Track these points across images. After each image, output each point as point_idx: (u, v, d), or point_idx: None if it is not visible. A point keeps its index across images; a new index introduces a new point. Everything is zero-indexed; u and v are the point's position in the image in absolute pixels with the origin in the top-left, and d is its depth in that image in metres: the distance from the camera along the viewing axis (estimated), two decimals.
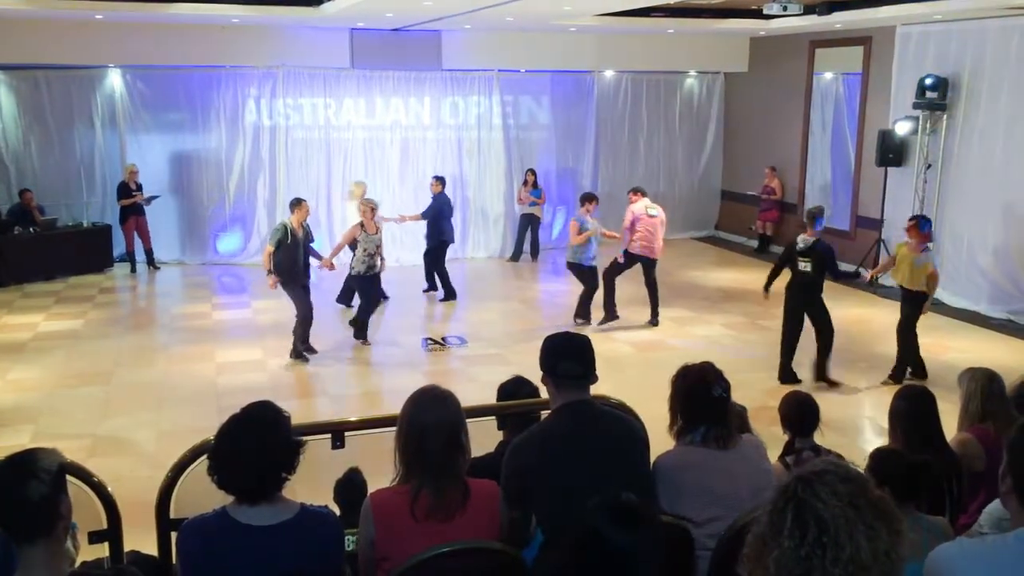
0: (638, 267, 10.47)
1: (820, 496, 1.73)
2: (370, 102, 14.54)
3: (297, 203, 9.11)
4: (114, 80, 13.70)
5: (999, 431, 3.99)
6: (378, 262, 9.55)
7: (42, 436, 7.08)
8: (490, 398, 4.22)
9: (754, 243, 15.48)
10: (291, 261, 8.90)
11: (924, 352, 8.58)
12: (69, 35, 12.65)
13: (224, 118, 14.05)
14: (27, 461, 2.40)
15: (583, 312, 10.49)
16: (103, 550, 3.13)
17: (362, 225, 9.47)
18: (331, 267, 9.52)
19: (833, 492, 1.73)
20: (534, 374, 3.46)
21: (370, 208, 9.55)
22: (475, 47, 14.56)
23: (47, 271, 12.75)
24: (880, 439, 6.58)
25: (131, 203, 13.19)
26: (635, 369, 8.74)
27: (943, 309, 11.35)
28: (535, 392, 3.92)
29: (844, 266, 11.02)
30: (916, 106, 11.72)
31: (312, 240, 9.33)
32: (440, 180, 12.14)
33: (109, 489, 3.09)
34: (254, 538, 2.57)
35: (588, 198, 10.54)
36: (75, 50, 12.87)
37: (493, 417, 3.77)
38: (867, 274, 10.87)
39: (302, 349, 9.12)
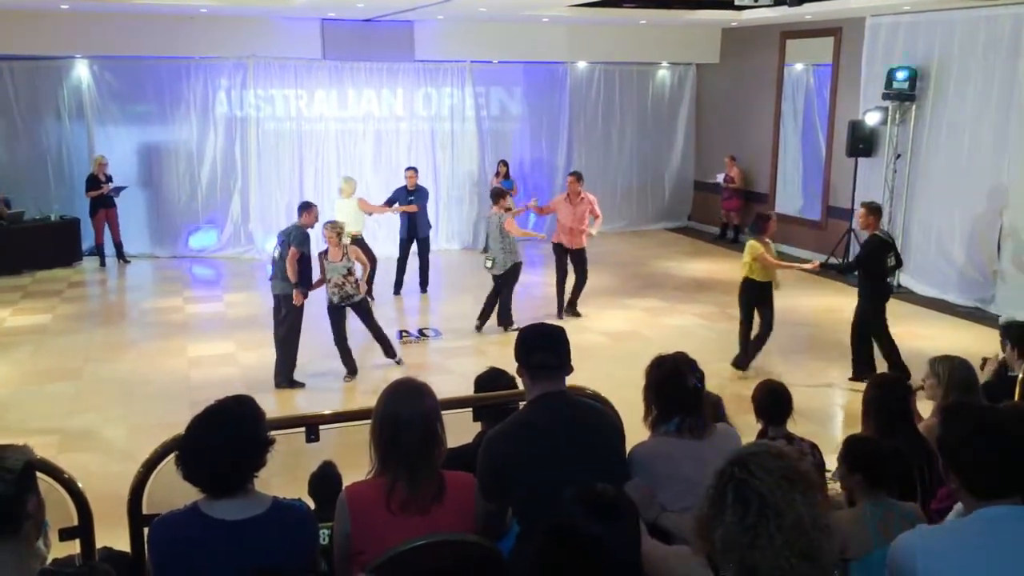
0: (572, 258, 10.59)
1: (755, 474, 1.87)
2: (342, 93, 14.44)
3: (307, 206, 8.33)
4: (81, 71, 13.49)
5: None
6: (350, 290, 8.33)
7: (10, 432, 6.98)
8: (465, 390, 4.21)
9: (727, 233, 15.57)
10: (307, 268, 8.26)
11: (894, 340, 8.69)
12: (35, 25, 12.42)
13: (194, 109, 13.90)
14: None
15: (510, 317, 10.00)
16: (75, 547, 3.09)
17: (325, 252, 8.33)
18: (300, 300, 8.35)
19: (766, 469, 1.87)
20: (509, 365, 3.45)
21: (335, 233, 8.27)
22: (448, 38, 14.49)
23: (13, 265, 12.53)
24: (852, 427, 6.66)
25: (98, 195, 13.02)
26: (609, 359, 8.77)
27: (912, 297, 11.49)
28: (512, 384, 3.91)
29: (816, 256, 11.11)
30: (885, 97, 11.84)
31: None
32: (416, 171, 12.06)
33: (80, 485, 3.05)
34: (226, 533, 2.54)
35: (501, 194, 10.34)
36: (41, 40, 12.65)
37: (469, 409, 3.77)
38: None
39: (293, 379, 8.38)
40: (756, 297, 8.42)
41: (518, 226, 10.04)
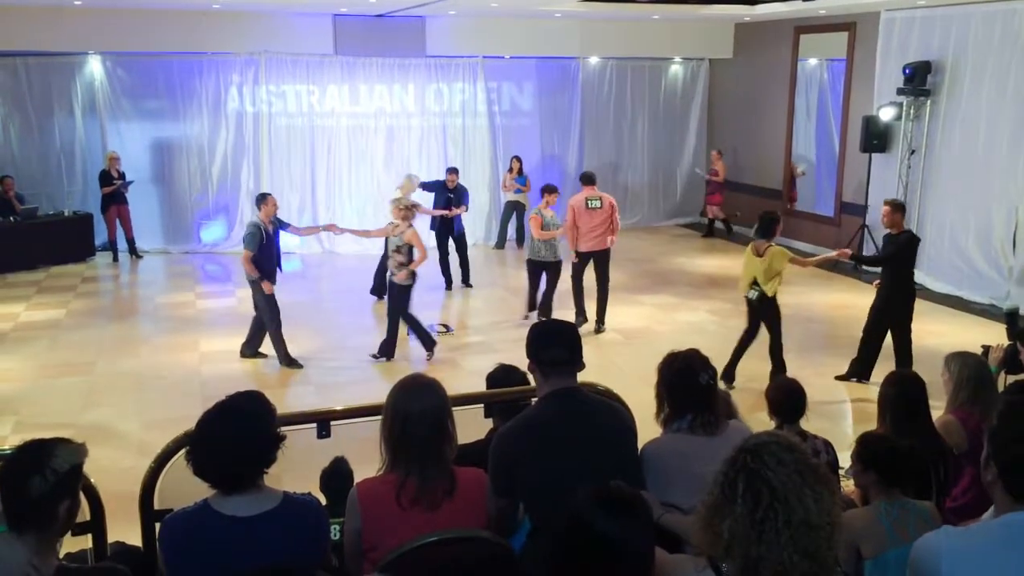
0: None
1: (768, 465, 1.86)
2: (354, 89, 14.44)
3: (263, 198, 8.59)
4: (94, 67, 13.54)
5: (984, 416, 4.02)
6: (391, 266, 8.74)
7: (24, 426, 7.02)
8: (476, 386, 4.20)
9: (736, 229, 15.51)
10: (268, 261, 8.46)
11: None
12: (48, 21, 12.48)
13: (206, 105, 13.93)
14: (42, 454, 2.38)
15: (546, 308, 9.96)
16: (87, 542, 3.10)
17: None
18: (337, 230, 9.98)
19: (779, 461, 1.86)
20: (520, 362, 3.44)
21: (396, 207, 8.81)
22: (459, 33, 14.48)
23: (28, 261, 12.60)
24: (865, 424, 6.61)
25: (111, 191, 13.07)
26: (622, 356, 8.74)
27: (925, 294, 11.40)
28: (524, 380, 3.90)
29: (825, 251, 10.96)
30: (900, 92, 11.75)
31: (281, 228, 8.73)
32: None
33: (92, 480, 3.05)
34: (237, 529, 2.54)
35: (549, 189, 10.15)
36: (54, 36, 12.71)
37: (480, 405, 3.75)
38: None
39: (290, 356, 8.65)
40: (776, 313, 7.97)
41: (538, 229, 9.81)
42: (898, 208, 7.97)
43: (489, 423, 3.83)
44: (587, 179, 9.94)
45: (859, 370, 8.17)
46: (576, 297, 9.84)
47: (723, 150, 15.36)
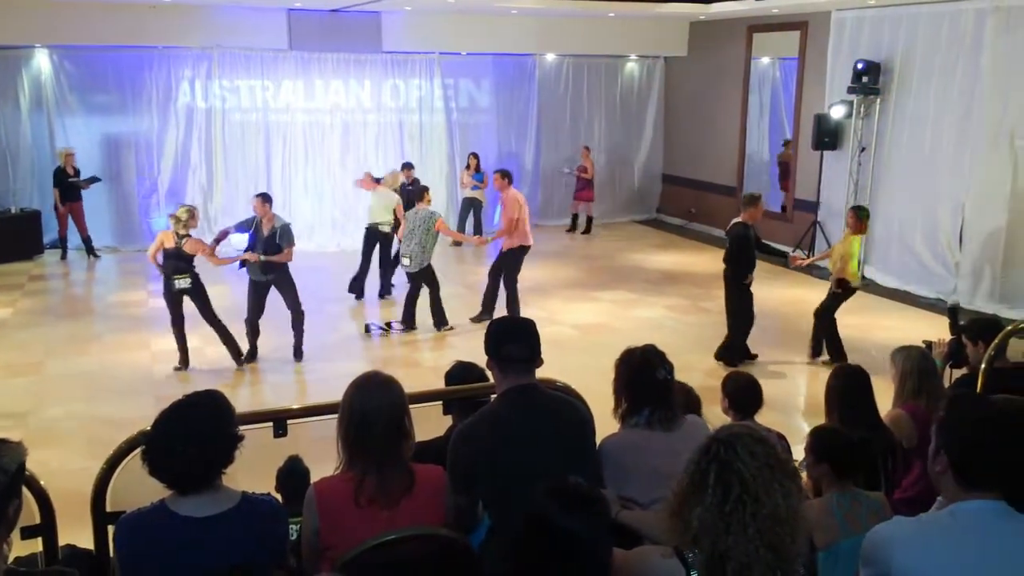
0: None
1: (740, 457, 1.87)
2: (309, 85, 14.31)
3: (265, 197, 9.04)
4: (41, 61, 13.23)
5: (931, 407, 4.12)
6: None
7: None
8: (434, 383, 4.19)
9: (694, 226, 15.67)
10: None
11: (855, 331, 8.81)
12: None
13: (157, 100, 13.69)
14: None
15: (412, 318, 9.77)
16: (37, 545, 3.03)
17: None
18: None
19: (751, 453, 1.88)
20: (478, 358, 3.44)
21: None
22: (416, 29, 14.41)
23: None
24: (816, 417, 6.73)
25: (70, 186, 12.74)
26: (579, 352, 8.77)
27: (874, 289, 11.63)
28: (483, 377, 3.89)
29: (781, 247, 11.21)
30: (850, 90, 11.97)
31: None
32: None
33: (41, 483, 2.98)
34: (195, 530, 2.51)
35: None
36: None
37: (438, 402, 3.75)
38: (800, 257, 9.94)
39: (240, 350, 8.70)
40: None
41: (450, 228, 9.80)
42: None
43: (448, 420, 3.82)
44: (511, 176, 10.06)
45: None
46: (516, 299, 9.71)
47: (591, 147, 15.76)
